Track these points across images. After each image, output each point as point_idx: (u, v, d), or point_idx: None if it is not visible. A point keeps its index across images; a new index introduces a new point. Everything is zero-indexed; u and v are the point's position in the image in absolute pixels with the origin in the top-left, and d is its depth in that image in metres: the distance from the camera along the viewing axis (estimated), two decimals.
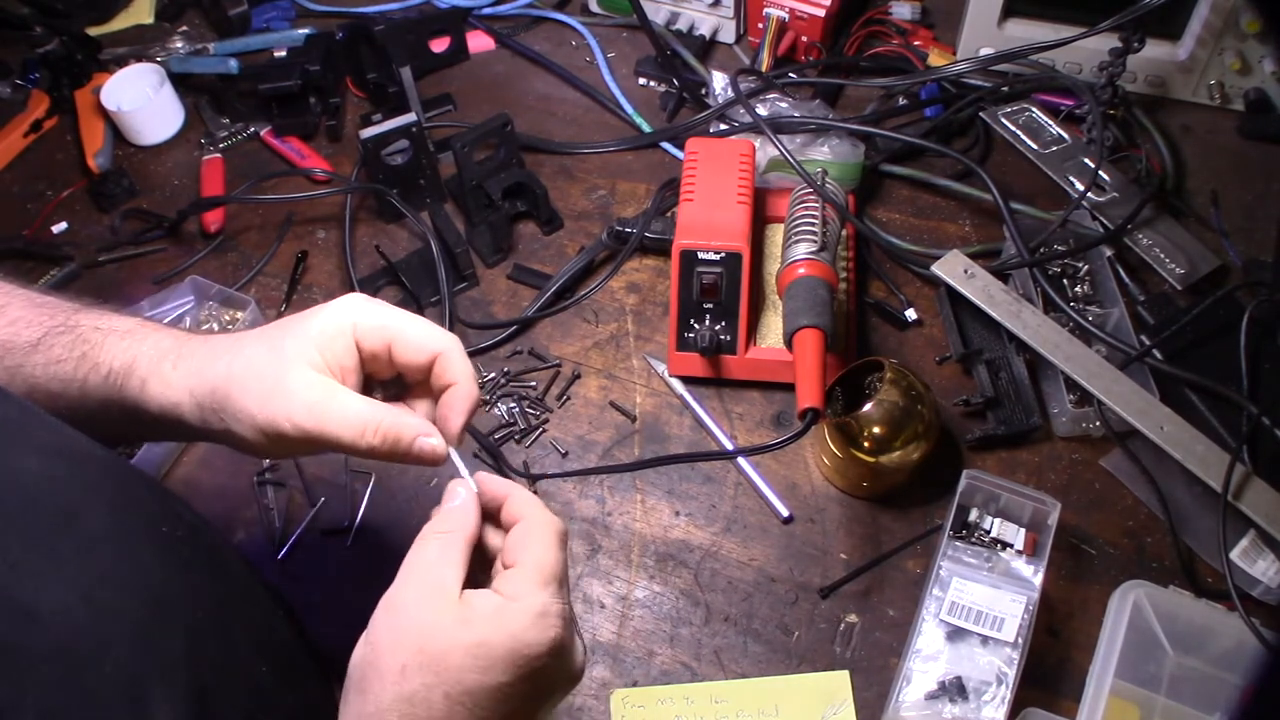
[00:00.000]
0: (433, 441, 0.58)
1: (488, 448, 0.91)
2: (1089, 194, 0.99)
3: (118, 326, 0.62)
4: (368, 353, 0.59)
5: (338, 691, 0.54)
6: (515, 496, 0.58)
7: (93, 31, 1.24)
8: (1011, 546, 0.79)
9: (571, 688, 0.58)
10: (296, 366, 0.56)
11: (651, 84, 1.18)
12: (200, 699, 0.50)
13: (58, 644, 0.43)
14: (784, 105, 1.03)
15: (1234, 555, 0.79)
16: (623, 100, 1.16)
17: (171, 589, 0.52)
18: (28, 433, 0.51)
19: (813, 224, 0.88)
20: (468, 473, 0.59)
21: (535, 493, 0.88)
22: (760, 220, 0.99)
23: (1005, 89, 1.11)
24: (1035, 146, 1.06)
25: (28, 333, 0.61)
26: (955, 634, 0.76)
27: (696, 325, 0.90)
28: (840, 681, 0.79)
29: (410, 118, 1.02)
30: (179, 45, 1.23)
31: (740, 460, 0.89)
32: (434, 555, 0.55)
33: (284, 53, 1.20)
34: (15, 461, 0.48)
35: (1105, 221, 0.99)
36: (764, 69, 1.13)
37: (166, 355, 0.60)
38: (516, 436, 0.92)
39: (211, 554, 0.59)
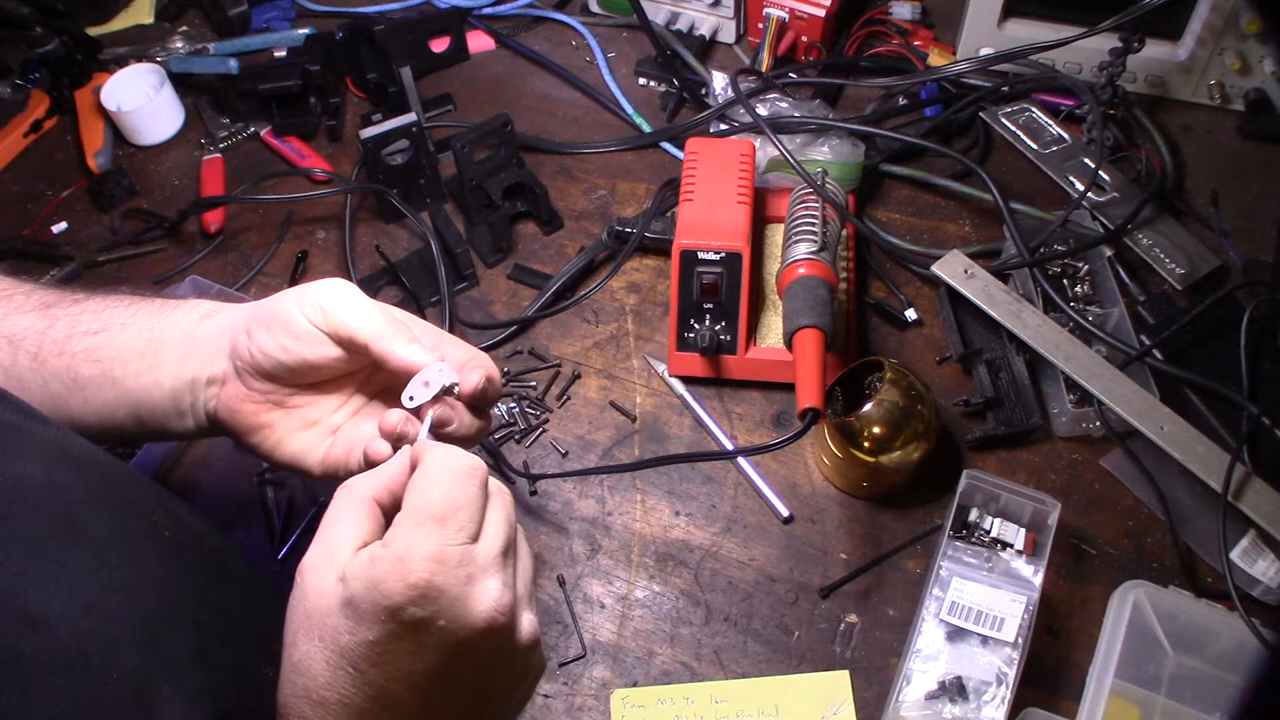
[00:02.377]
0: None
1: (488, 448, 0.91)
2: (1089, 194, 0.99)
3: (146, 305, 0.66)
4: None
5: None
6: (423, 445, 0.54)
7: (93, 31, 1.24)
8: (1011, 546, 0.79)
9: (520, 663, 0.52)
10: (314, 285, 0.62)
11: (651, 84, 1.18)
12: (206, 701, 0.50)
13: (64, 652, 0.43)
14: (784, 105, 1.03)
15: (1234, 555, 0.79)
16: (623, 100, 1.16)
17: (176, 593, 0.52)
18: (30, 438, 0.51)
19: (813, 224, 0.88)
20: (425, 432, 0.57)
21: (534, 493, 0.88)
22: (760, 220, 0.99)
23: (1005, 89, 1.11)
24: (1035, 146, 1.06)
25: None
26: (955, 634, 0.76)
27: (696, 325, 0.90)
28: (840, 681, 0.79)
29: (410, 118, 1.02)
30: (179, 45, 1.23)
31: (740, 460, 0.89)
32: (332, 514, 0.52)
33: (284, 53, 1.21)
34: (17, 468, 0.48)
35: (1105, 221, 0.99)
36: (764, 69, 1.13)
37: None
38: (516, 436, 0.92)
39: (214, 556, 0.59)
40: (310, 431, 0.63)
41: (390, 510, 0.52)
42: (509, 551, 0.51)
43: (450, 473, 0.50)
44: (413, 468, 0.53)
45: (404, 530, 0.48)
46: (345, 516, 0.51)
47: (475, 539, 0.50)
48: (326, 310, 0.59)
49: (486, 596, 0.49)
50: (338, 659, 0.47)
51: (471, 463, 0.51)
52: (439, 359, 0.59)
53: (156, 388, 0.61)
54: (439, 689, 0.49)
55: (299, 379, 0.62)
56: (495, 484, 0.53)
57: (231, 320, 0.63)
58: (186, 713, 0.48)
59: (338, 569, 0.49)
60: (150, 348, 0.62)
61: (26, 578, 0.44)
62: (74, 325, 0.62)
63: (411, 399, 0.58)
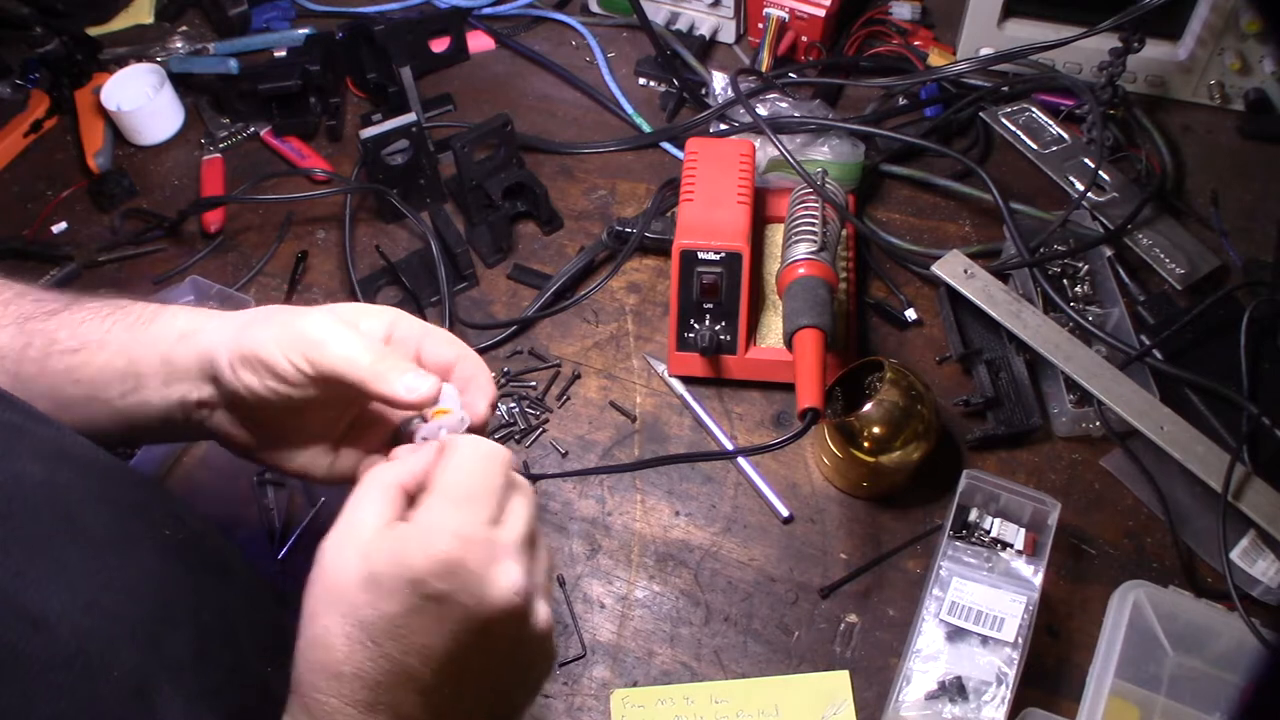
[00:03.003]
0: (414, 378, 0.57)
1: None
2: (1089, 194, 0.99)
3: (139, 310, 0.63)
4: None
5: None
6: (453, 437, 0.55)
7: (93, 31, 1.24)
8: (1011, 546, 0.79)
9: (535, 650, 0.52)
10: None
11: (651, 84, 1.18)
12: (206, 701, 0.50)
13: (64, 651, 0.43)
14: (784, 105, 1.03)
15: (1234, 555, 0.79)
16: (623, 100, 1.16)
17: (176, 592, 0.52)
18: (30, 437, 0.51)
19: (813, 224, 0.88)
20: (444, 432, 0.57)
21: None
22: (760, 220, 0.99)
23: (1005, 89, 1.11)
24: (1035, 146, 1.06)
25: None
26: (955, 634, 0.76)
27: (696, 325, 0.90)
28: (840, 681, 0.79)
29: (410, 118, 1.02)
30: (179, 45, 1.23)
31: (740, 460, 0.89)
32: (357, 496, 0.52)
33: (284, 53, 1.21)
34: (18, 467, 0.48)
35: (1105, 221, 0.99)
36: (764, 69, 1.13)
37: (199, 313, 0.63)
38: (516, 436, 0.92)
39: (215, 556, 0.59)
40: (312, 449, 0.62)
41: (414, 497, 0.53)
42: (530, 541, 0.53)
43: (478, 459, 0.52)
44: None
45: (430, 509, 0.50)
46: (370, 499, 0.52)
47: (498, 523, 0.51)
48: (310, 357, 0.56)
49: (507, 578, 0.50)
50: (358, 633, 0.48)
51: (497, 450, 0.53)
52: (436, 385, 0.57)
53: (144, 407, 0.60)
54: (454, 667, 0.50)
55: (289, 407, 0.60)
56: (517, 476, 0.54)
57: (211, 347, 0.59)
58: (186, 712, 0.48)
59: (359, 546, 0.49)
60: (131, 369, 0.60)
61: (26, 577, 0.44)
62: (50, 343, 0.60)
63: (419, 432, 0.58)
